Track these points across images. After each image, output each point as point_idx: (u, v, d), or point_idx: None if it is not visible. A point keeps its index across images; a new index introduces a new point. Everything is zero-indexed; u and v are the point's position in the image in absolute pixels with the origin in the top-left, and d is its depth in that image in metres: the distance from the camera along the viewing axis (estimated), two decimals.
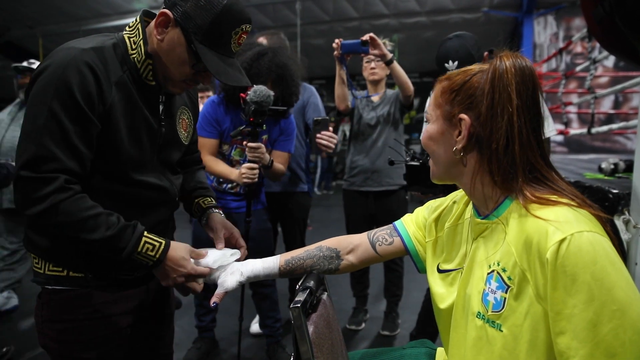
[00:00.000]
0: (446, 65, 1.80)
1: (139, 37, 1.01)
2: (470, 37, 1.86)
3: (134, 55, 1.01)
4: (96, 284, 1.03)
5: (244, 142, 1.81)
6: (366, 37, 2.10)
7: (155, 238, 1.00)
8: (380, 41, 2.11)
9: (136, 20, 1.04)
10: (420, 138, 0.92)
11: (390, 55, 2.16)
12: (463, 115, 0.81)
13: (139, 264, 0.99)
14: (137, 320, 1.15)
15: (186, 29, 0.96)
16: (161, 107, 1.09)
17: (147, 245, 0.98)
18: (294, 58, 2.07)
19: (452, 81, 0.84)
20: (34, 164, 0.88)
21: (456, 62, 1.78)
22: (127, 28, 1.04)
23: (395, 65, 2.19)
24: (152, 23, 1.01)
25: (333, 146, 2.11)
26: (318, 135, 2.08)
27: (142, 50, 1.01)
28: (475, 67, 0.84)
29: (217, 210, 1.26)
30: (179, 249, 1.03)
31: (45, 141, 0.88)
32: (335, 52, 2.19)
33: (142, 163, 1.05)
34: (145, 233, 0.99)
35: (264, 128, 1.80)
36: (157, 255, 0.99)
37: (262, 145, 1.81)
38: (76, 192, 0.92)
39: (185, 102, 1.20)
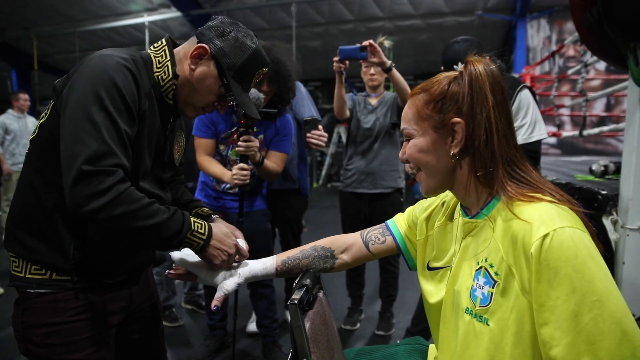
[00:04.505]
0: (455, 67, 1.83)
1: (165, 57, 1.08)
2: (476, 42, 1.91)
3: (158, 73, 1.06)
4: (81, 286, 1.03)
5: (234, 136, 1.82)
6: (365, 43, 2.08)
7: (196, 219, 1.05)
8: (379, 48, 2.09)
9: (161, 42, 1.11)
10: (405, 156, 0.91)
11: (389, 63, 2.13)
12: (458, 119, 0.84)
13: (188, 244, 1.02)
14: (124, 321, 1.15)
15: (220, 63, 1.06)
16: (168, 127, 1.14)
17: (197, 224, 1.03)
18: (288, 55, 2.06)
19: (430, 93, 0.88)
20: (97, 159, 0.89)
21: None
22: (152, 48, 1.11)
23: (394, 72, 2.17)
24: (186, 51, 1.08)
25: (323, 144, 2.13)
26: (308, 134, 2.10)
27: (170, 70, 1.06)
28: (442, 75, 0.90)
29: (215, 216, 1.28)
30: (219, 227, 1.09)
31: (105, 138, 0.90)
32: (335, 66, 2.17)
33: (146, 174, 1.07)
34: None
35: (255, 130, 1.81)
36: (207, 232, 1.04)
37: (255, 139, 1.81)
38: (130, 184, 0.95)
39: (182, 126, 1.25)
